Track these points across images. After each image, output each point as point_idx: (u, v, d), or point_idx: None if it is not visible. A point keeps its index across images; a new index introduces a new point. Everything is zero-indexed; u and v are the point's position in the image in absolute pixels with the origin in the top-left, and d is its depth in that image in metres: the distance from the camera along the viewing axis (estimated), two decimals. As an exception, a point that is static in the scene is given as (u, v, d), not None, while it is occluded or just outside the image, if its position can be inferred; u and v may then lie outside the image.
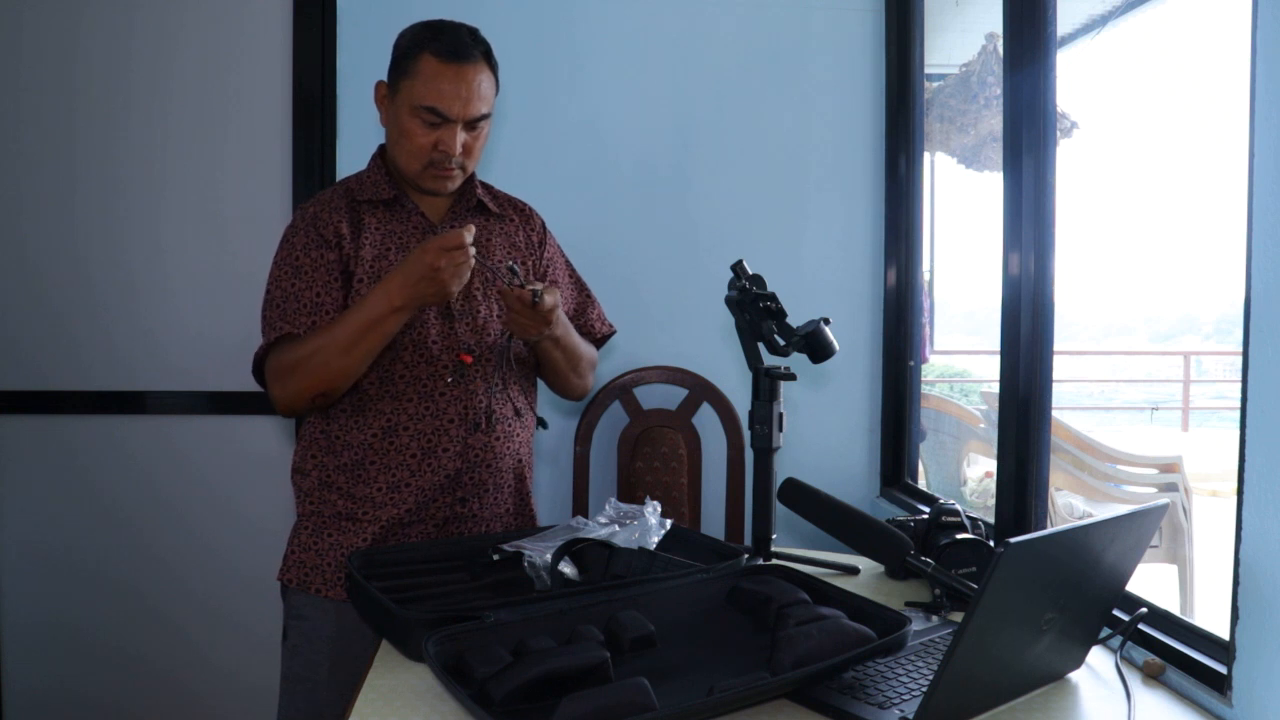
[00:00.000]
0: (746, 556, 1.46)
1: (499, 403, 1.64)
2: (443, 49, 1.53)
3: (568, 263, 1.84)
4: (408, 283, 1.44)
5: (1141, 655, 1.28)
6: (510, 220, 1.74)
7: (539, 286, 1.50)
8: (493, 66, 1.59)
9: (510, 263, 1.54)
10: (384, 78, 1.60)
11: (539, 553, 1.40)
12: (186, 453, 2.48)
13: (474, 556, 1.46)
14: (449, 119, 1.54)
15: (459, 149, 1.55)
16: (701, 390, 2.47)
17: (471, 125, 1.56)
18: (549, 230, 1.81)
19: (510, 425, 1.66)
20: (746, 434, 1.85)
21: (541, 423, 1.71)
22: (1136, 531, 1.15)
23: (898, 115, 2.52)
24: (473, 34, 1.57)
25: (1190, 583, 3.41)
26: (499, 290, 1.53)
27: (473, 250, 1.45)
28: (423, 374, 1.59)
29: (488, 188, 1.75)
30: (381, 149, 1.68)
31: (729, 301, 1.67)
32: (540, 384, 1.79)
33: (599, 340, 1.85)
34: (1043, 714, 1.11)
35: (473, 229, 1.45)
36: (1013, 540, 0.96)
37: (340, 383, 1.52)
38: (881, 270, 2.57)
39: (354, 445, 1.59)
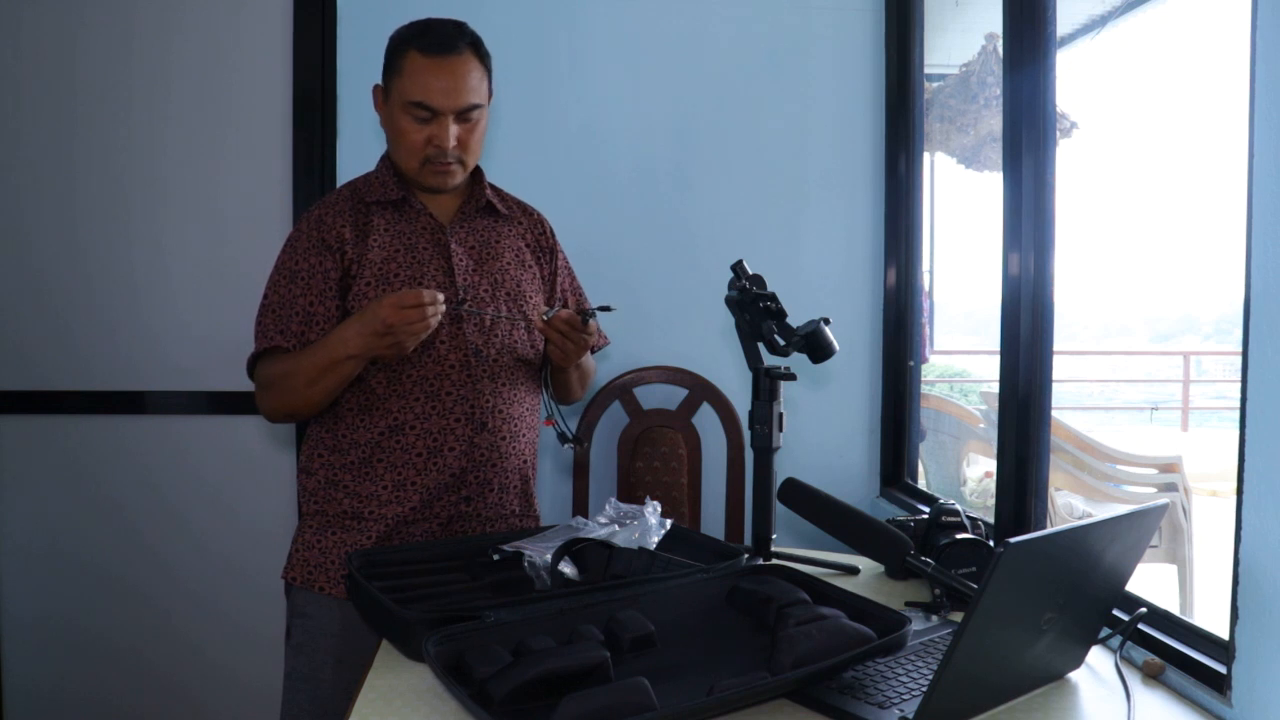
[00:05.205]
0: (746, 556, 1.46)
1: (505, 403, 1.64)
2: (427, 44, 1.54)
3: (573, 275, 1.85)
4: (363, 332, 1.46)
5: (1141, 655, 1.28)
6: (518, 223, 1.75)
7: (558, 309, 1.53)
8: (482, 58, 1.59)
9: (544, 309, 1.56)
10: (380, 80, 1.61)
11: (539, 553, 1.40)
12: (186, 453, 2.48)
13: (474, 556, 1.46)
14: (438, 112, 1.54)
15: (452, 142, 1.56)
16: (701, 390, 2.47)
17: (463, 117, 1.57)
18: (556, 239, 1.82)
19: (515, 425, 1.67)
20: (746, 434, 1.84)
21: (577, 440, 1.71)
22: (1136, 531, 1.15)
23: (898, 115, 2.52)
24: (459, 27, 1.58)
25: (1190, 583, 3.41)
26: (539, 328, 1.56)
27: (440, 308, 1.44)
28: (430, 373, 1.59)
29: (497, 190, 1.75)
30: (390, 150, 1.68)
31: (729, 301, 1.67)
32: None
33: (593, 351, 1.86)
34: (1043, 714, 1.11)
35: (439, 294, 1.44)
36: (1013, 540, 0.96)
37: (305, 409, 1.57)
38: (881, 270, 2.57)
39: (360, 444, 1.60)
